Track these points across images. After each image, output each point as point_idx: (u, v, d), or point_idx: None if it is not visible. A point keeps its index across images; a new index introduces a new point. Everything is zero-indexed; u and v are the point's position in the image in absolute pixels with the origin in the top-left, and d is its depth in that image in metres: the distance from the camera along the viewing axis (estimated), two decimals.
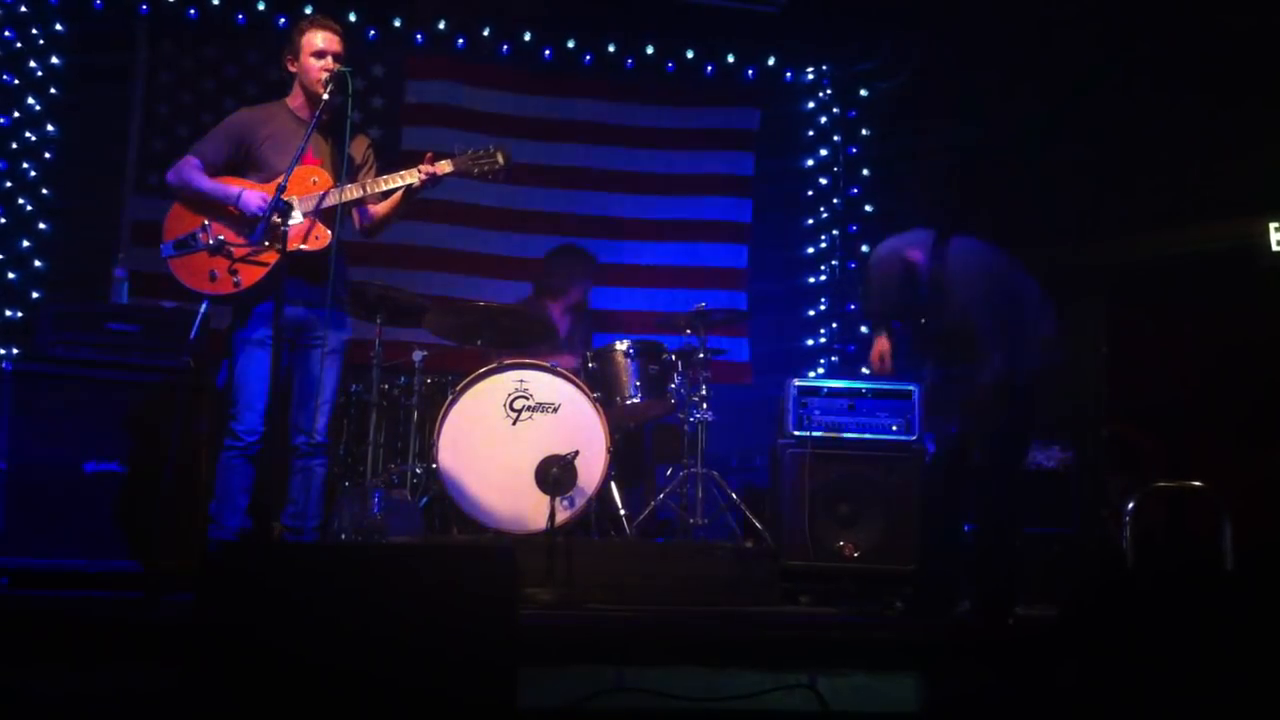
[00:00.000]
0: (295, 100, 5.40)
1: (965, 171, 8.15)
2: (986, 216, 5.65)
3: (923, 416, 6.60)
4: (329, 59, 5.27)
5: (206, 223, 5.16)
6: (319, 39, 5.31)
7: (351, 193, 5.22)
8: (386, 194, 5.33)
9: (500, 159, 5.42)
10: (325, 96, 5.10)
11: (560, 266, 7.72)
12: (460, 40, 8.61)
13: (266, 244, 5.06)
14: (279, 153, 5.20)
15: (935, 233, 5.49)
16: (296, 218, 5.08)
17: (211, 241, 5.13)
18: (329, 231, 5.11)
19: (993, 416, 5.26)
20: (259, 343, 5.11)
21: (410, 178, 5.28)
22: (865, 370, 8.35)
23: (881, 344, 5.74)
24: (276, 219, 4.97)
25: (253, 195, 5.13)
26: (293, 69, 5.38)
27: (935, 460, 5.71)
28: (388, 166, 5.45)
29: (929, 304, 5.40)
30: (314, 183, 5.20)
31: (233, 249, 5.11)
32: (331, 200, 5.12)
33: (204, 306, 5.58)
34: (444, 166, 5.33)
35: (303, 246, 5.10)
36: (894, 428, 6.62)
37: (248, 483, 5.14)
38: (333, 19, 5.47)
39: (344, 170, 5.22)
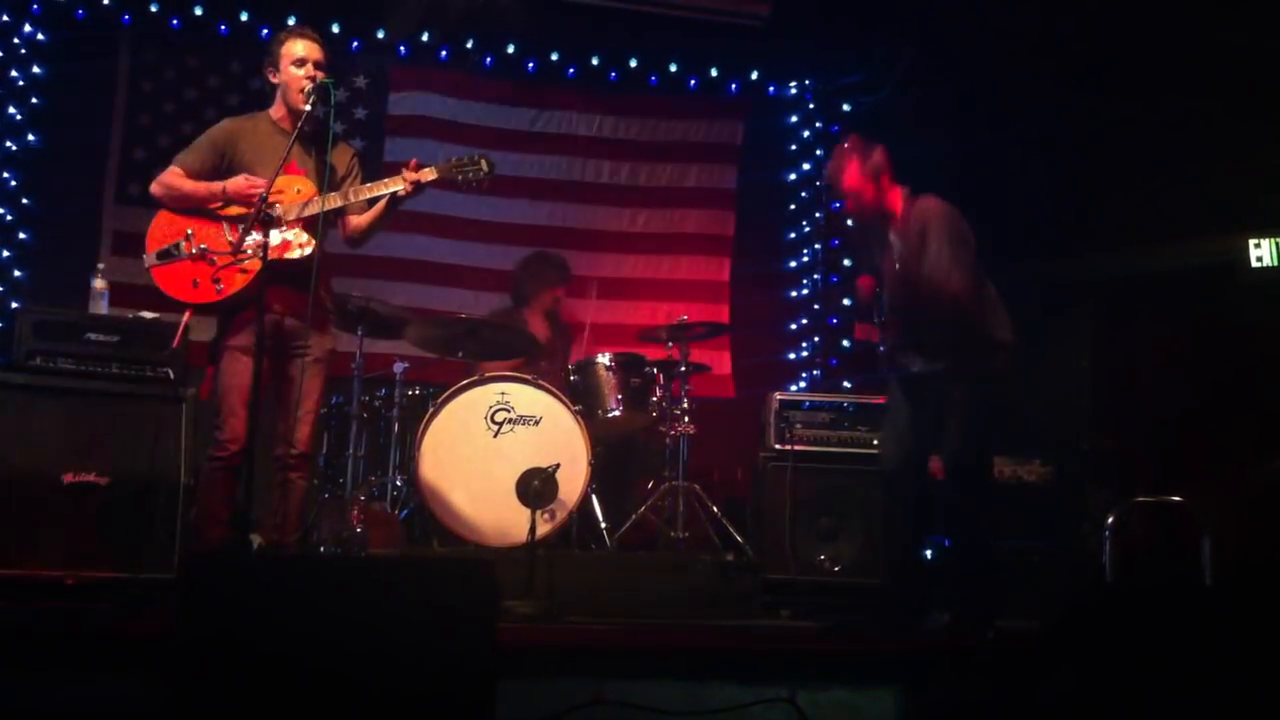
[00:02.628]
0: (278, 111, 5.39)
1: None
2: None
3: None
4: (310, 67, 5.27)
5: (190, 231, 5.15)
6: (299, 47, 5.31)
7: (335, 200, 5.21)
8: (371, 202, 5.32)
9: (485, 166, 5.42)
10: (307, 107, 5.11)
11: (529, 273, 7.71)
12: (443, 52, 8.61)
13: (249, 252, 5.05)
14: (261, 163, 5.19)
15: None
16: (281, 226, 5.08)
17: (194, 250, 5.11)
18: (314, 240, 5.10)
19: (956, 417, 5.26)
20: (243, 351, 5.09)
21: (395, 185, 5.28)
22: (847, 384, 8.41)
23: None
24: (258, 231, 4.97)
25: (239, 180, 5.13)
26: (274, 79, 5.37)
27: (890, 471, 5.62)
28: (370, 177, 5.45)
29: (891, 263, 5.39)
30: (298, 192, 5.19)
31: (215, 257, 5.10)
32: (315, 208, 5.12)
33: (186, 316, 5.55)
34: (428, 174, 5.33)
35: (287, 255, 5.09)
36: (875, 442, 6.62)
37: (230, 493, 5.11)
38: (313, 28, 5.46)
39: (327, 180, 5.21)
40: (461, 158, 5.43)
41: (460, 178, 5.39)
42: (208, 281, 5.10)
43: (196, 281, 5.11)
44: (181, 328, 5.56)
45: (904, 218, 5.36)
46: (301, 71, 5.26)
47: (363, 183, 5.42)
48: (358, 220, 5.41)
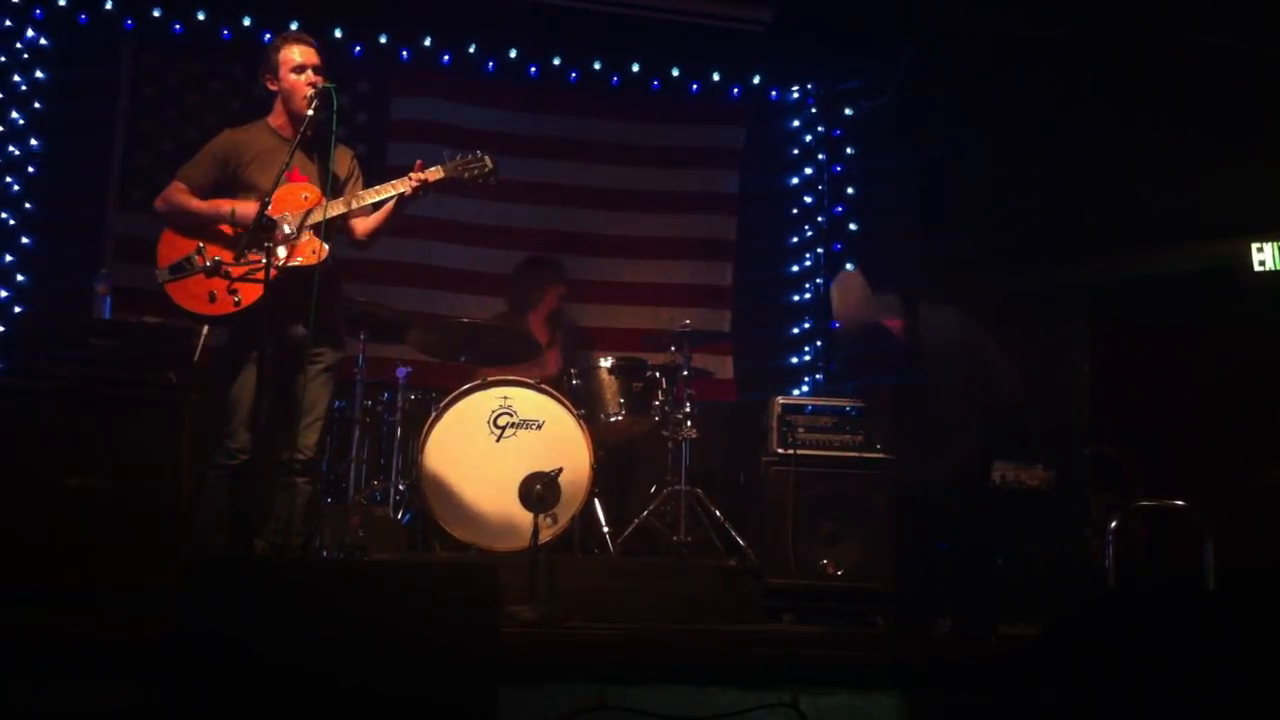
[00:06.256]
0: (278, 119, 5.39)
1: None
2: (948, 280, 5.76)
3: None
4: (309, 72, 5.28)
5: (201, 245, 5.15)
6: (296, 54, 5.32)
7: (340, 206, 5.22)
8: (378, 205, 5.33)
9: (488, 163, 5.43)
10: (310, 113, 5.11)
11: (524, 277, 7.72)
12: (446, 56, 8.61)
13: (254, 261, 5.05)
14: (265, 173, 5.19)
15: (903, 298, 5.57)
16: (287, 233, 5.09)
17: (208, 264, 5.11)
18: (325, 246, 5.11)
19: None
20: (254, 360, 5.10)
21: (401, 186, 5.29)
22: (849, 388, 8.40)
23: None
24: (263, 239, 4.98)
25: (249, 207, 5.13)
26: (273, 87, 5.37)
27: (903, 491, 5.69)
28: (373, 182, 5.45)
29: (904, 364, 5.48)
30: (304, 199, 5.20)
31: (230, 269, 5.10)
32: (319, 215, 5.12)
33: (205, 329, 5.55)
34: (434, 173, 5.34)
35: (297, 261, 5.09)
36: (877, 446, 6.62)
37: (234, 499, 5.12)
38: (308, 34, 5.47)
39: (329, 186, 5.21)
40: (466, 156, 5.44)
41: (465, 175, 5.40)
42: (225, 294, 5.11)
43: (214, 295, 5.12)
44: (200, 343, 5.56)
45: (907, 327, 5.52)
46: (302, 78, 5.27)
47: (363, 185, 5.43)
48: (364, 224, 5.42)
